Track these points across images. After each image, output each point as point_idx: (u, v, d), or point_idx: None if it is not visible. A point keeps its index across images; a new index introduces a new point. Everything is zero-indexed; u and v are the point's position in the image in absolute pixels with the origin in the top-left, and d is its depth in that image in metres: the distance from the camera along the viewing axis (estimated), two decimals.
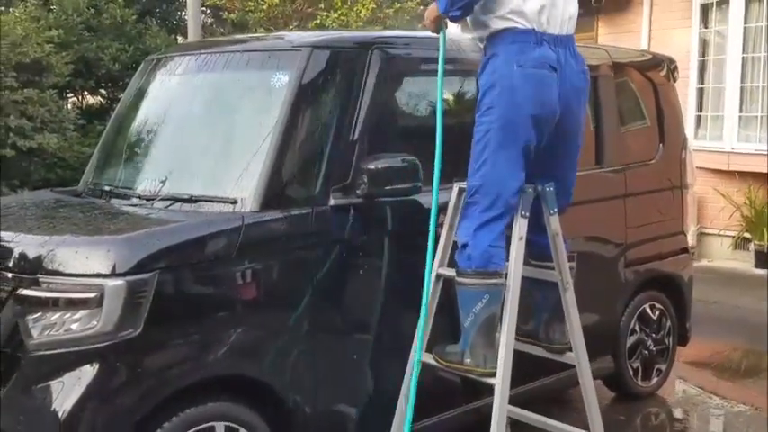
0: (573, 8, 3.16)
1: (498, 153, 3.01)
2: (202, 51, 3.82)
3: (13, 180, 7.09)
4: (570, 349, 3.35)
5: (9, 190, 6.86)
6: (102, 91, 9.60)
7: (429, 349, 3.21)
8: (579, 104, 3.19)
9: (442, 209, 3.24)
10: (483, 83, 3.08)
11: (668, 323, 4.77)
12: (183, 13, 10.08)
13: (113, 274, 2.67)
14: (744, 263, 8.46)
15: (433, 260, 3.16)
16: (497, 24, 3.05)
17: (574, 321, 3.28)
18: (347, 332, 3.25)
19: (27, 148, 6.96)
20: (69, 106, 8.94)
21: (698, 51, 8.91)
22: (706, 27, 8.90)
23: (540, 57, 3.03)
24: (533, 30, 3.02)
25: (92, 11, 8.99)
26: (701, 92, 8.93)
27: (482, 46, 3.21)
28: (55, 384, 2.67)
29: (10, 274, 2.87)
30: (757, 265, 8.25)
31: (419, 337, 3.16)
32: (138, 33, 9.22)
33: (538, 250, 3.30)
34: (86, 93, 9.53)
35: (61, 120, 7.49)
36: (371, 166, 3.13)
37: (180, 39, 10.22)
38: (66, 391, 2.64)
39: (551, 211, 3.18)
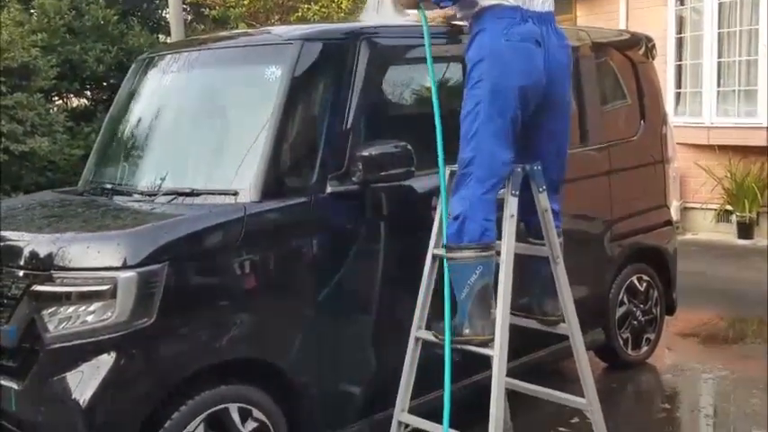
0: None
1: (488, 124, 3.10)
2: (194, 48, 3.91)
3: (5, 185, 7.13)
4: (563, 321, 3.49)
5: (2, 195, 6.91)
6: (88, 92, 9.60)
7: (428, 327, 3.34)
8: (564, 78, 3.31)
9: (435, 192, 3.38)
10: (471, 57, 3.17)
11: (655, 294, 4.93)
12: (165, 12, 10.09)
13: (125, 267, 2.78)
14: (726, 234, 8.67)
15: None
16: (485, 2, 3.16)
17: (565, 294, 3.41)
18: (349, 314, 3.37)
19: (19, 152, 7.00)
20: (56, 109, 8.96)
21: (675, 29, 9.07)
22: (682, 4, 9.05)
23: (527, 31, 3.15)
24: (519, 7, 3.15)
25: (73, 13, 8.99)
26: (679, 68, 9.09)
27: (466, 23, 3.31)
28: (74, 375, 2.77)
29: (23, 272, 2.97)
30: (739, 236, 8.45)
31: (418, 316, 3.29)
32: (120, 34, 9.22)
33: (535, 229, 3.42)
34: (72, 95, 9.54)
35: (50, 123, 7.52)
36: (366, 153, 3.23)
37: (162, 37, 10.25)
38: (86, 381, 2.75)
39: (540, 189, 3.30)
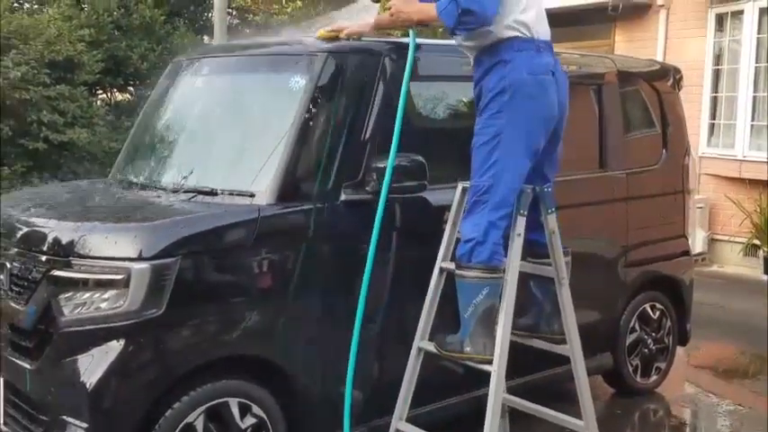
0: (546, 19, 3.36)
1: (509, 156, 3.16)
2: (225, 54, 4.04)
3: (44, 172, 7.38)
4: None
5: (40, 182, 7.16)
6: (131, 88, 9.90)
7: (431, 338, 3.40)
8: (567, 103, 3.37)
9: (448, 206, 3.45)
10: (491, 87, 3.20)
11: (668, 323, 4.92)
12: (210, 15, 10.35)
13: (140, 258, 2.90)
14: (753, 269, 8.57)
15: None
16: (502, 33, 3.20)
17: (569, 315, 3.45)
18: (355, 320, 3.43)
19: (58, 142, 7.24)
20: (99, 103, 9.23)
21: (712, 60, 9.02)
22: (722, 36, 9.01)
23: (544, 63, 3.22)
24: (533, 38, 3.21)
25: (122, 11, 9.29)
26: (714, 100, 9.04)
27: (472, 53, 3.32)
28: (84, 358, 2.90)
29: (44, 257, 3.10)
30: (765, 272, 8.35)
31: (422, 326, 3.36)
32: (166, 33, 9.50)
33: (540, 249, 3.47)
34: (115, 90, 9.83)
35: (91, 115, 7.77)
36: (381, 165, 3.32)
37: (207, 39, 10.50)
38: (95, 365, 2.87)
39: (549, 211, 3.36)
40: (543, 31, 3.27)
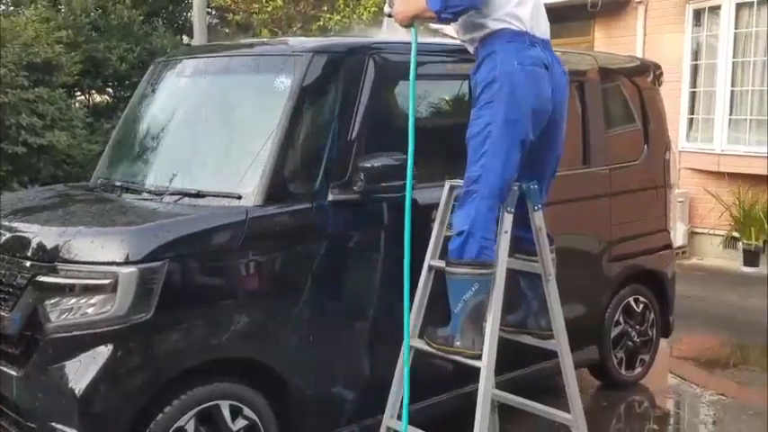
0: (547, 20, 3.40)
1: (498, 145, 3.16)
2: (209, 55, 4.02)
3: (23, 176, 7.30)
4: None
5: (19, 186, 7.08)
6: (110, 90, 9.81)
7: (421, 335, 3.41)
8: (565, 103, 3.40)
9: (436, 205, 3.46)
10: (482, 79, 3.22)
11: (651, 316, 4.98)
12: (189, 14, 10.28)
13: (127, 262, 2.87)
14: (732, 261, 8.68)
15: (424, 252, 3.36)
16: (494, 25, 3.22)
17: (555, 310, 3.47)
18: (345, 320, 3.44)
19: (38, 146, 7.16)
20: (77, 105, 9.15)
21: (691, 55, 9.11)
22: (698, 32, 9.10)
23: (535, 55, 3.23)
24: (526, 32, 3.22)
25: (99, 11, 9.21)
26: (693, 95, 9.13)
27: (472, 48, 3.39)
28: (72, 364, 2.87)
29: (29, 263, 3.07)
30: (745, 264, 8.46)
31: (411, 324, 3.37)
32: (144, 34, 9.43)
33: (527, 246, 3.49)
34: (94, 92, 9.74)
35: (70, 118, 7.69)
36: (368, 164, 3.32)
37: (186, 39, 10.42)
38: (83, 371, 2.84)
39: (535, 207, 3.38)
40: (540, 29, 3.29)
